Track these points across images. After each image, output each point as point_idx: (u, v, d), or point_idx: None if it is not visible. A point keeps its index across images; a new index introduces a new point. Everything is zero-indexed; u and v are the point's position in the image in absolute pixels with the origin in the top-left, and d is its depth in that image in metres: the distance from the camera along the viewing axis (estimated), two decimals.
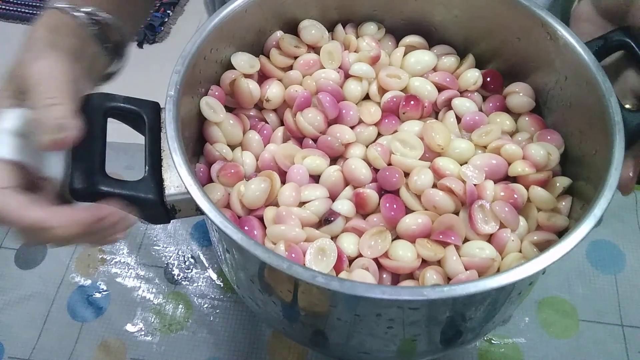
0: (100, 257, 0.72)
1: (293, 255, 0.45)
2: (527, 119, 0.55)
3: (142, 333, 0.66)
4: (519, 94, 0.55)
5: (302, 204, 0.50)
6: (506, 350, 0.65)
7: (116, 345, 0.65)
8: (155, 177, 0.45)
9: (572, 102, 0.52)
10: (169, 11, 2.02)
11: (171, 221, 0.47)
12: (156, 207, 0.44)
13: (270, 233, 0.47)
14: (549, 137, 0.53)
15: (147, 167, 0.45)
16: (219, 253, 0.55)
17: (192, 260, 0.72)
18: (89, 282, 0.70)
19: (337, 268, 0.46)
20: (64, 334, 0.66)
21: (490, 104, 0.57)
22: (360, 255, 0.47)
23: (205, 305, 0.68)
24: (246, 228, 0.48)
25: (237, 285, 0.54)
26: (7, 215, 0.38)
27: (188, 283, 0.70)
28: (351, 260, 0.48)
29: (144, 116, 0.47)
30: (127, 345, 0.65)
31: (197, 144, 0.53)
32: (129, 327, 0.67)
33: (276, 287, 0.46)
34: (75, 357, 0.65)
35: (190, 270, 0.71)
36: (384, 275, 0.47)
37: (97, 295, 0.69)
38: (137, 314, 0.68)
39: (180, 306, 0.68)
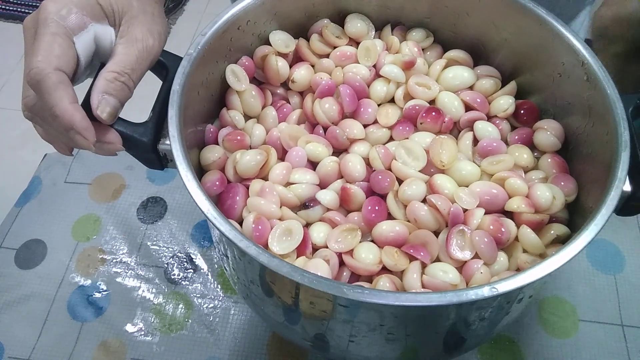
0: (100, 257, 0.72)
1: (259, 227, 0.47)
2: (549, 159, 0.52)
3: (142, 333, 0.66)
4: (547, 132, 0.53)
5: (291, 184, 0.51)
6: (506, 350, 0.64)
7: (116, 345, 0.65)
8: (157, 123, 0.47)
9: (593, 151, 0.49)
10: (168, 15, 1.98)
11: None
12: (148, 151, 0.47)
13: (249, 203, 0.49)
14: (562, 183, 0.50)
15: (152, 113, 0.48)
16: (219, 251, 0.56)
17: (192, 261, 0.71)
18: (89, 282, 0.70)
19: (300, 252, 0.47)
20: (64, 334, 0.66)
21: (516, 136, 0.55)
22: (326, 247, 0.48)
23: (205, 305, 0.67)
24: (231, 195, 0.50)
25: (237, 285, 0.55)
26: (58, 104, 0.41)
27: (188, 283, 0.69)
28: (317, 249, 0.48)
29: (167, 65, 0.50)
30: (127, 345, 0.65)
31: (216, 106, 0.55)
32: (129, 327, 0.66)
33: (277, 288, 0.46)
34: (75, 357, 0.64)
35: (190, 271, 0.70)
36: (344, 273, 0.48)
37: (97, 295, 0.69)
38: (137, 314, 0.67)
39: (180, 306, 0.68)
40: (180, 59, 0.50)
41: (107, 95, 0.43)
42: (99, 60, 0.47)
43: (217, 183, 0.50)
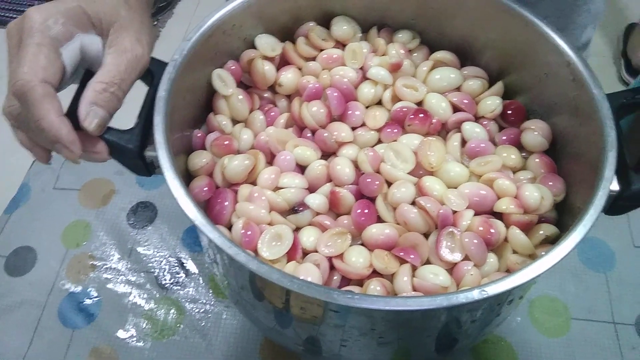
0: (90, 263, 0.71)
1: (249, 232, 0.46)
2: (537, 159, 0.52)
3: (134, 339, 0.65)
4: (535, 132, 0.53)
5: (280, 189, 0.51)
6: (499, 350, 0.64)
7: (108, 352, 0.64)
8: (143, 130, 0.47)
9: (581, 151, 0.49)
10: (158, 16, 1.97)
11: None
12: (135, 158, 0.46)
13: (238, 209, 0.49)
14: (550, 183, 0.50)
15: (138, 119, 0.47)
16: (209, 257, 0.55)
17: (183, 265, 0.71)
18: (79, 288, 0.69)
19: (290, 256, 0.47)
20: (55, 341, 0.65)
21: (504, 137, 0.55)
22: (316, 251, 0.48)
23: (197, 311, 0.67)
24: (219, 200, 0.50)
25: (228, 290, 0.54)
26: (44, 117, 0.40)
27: (179, 288, 0.69)
28: (307, 254, 0.48)
29: (153, 71, 0.49)
30: (119, 351, 0.64)
31: (203, 111, 0.55)
32: (121, 334, 0.66)
33: (267, 294, 0.46)
34: None
35: (181, 276, 0.70)
36: (334, 277, 0.47)
37: (88, 301, 0.68)
38: (129, 320, 0.67)
39: (172, 311, 0.67)
40: (166, 64, 0.49)
41: (95, 107, 0.42)
42: (84, 67, 0.47)
43: (206, 189, 0.50)
